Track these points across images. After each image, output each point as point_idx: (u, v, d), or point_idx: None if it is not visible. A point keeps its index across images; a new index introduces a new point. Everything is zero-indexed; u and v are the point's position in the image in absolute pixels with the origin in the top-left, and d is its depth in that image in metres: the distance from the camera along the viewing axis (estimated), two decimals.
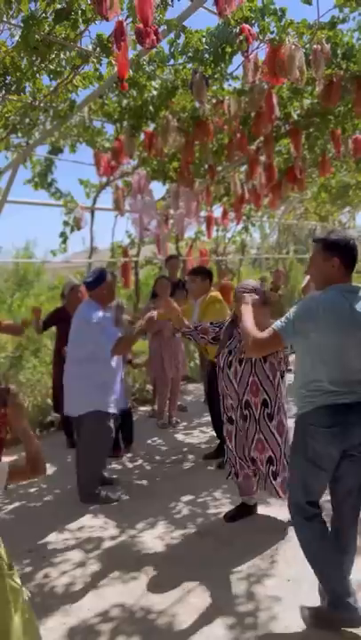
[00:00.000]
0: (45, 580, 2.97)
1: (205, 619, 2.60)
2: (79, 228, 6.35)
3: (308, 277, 8.36)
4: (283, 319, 2.38)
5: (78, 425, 3.95)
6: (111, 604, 2.74)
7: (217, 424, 4.52)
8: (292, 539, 3.29)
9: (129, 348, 3.85)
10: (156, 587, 2.88)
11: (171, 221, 7.30)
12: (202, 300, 4.70)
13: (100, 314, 3.86)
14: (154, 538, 3.40)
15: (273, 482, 3.26)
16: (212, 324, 3.61)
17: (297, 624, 2.52)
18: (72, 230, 6.19)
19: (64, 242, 6.19)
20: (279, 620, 2.56)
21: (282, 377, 3.34)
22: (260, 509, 3.71)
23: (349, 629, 2.45)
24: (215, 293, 4.75)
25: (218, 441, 4.66)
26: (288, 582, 2.87)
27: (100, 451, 3.94)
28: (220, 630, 2.51)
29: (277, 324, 2.38)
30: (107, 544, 3.35)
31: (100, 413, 3.82)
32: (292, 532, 3.36)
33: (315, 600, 2.67)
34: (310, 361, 2.37)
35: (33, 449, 1.86)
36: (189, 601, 2.73)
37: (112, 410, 3.89)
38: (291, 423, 2.76)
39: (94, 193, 6.61)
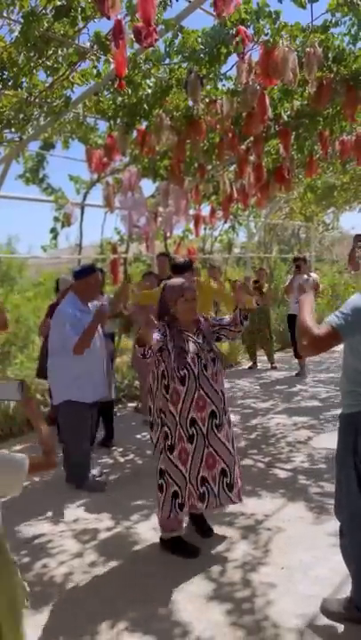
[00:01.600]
0: (44, 570, 3.00)
1: (204, 605, 2.67)
2: (69, 225, 6.36)
3: (289, 277, 8.51)
4: (339, 314, 2.15)
5: (58, 415, 4.16)
6: (110, 592, 2.80)
7: None
8: (285, 529, 3.40)
9: (88, 341, 3.80)
10: (153, 575, 2.94)
11: (160, 219, 7.34)
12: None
13: (73, 307, 3.90)
14: (149, 529, 3.45)
15: (229, 494, 3.08)
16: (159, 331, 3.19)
17: (292, 608, 2.61)
18: (62, 226, 6.21)
19: (54, 238, 6.20)
20: (275, 605, 2.64)
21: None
22: (253, 501, 3.80)
23: None
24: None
25: None
26: (282, 570, 2.95)
27: (77, 440, 4.04)
28: (218, 615, 2.58)
29: (333, 319, 2.14)
30: (103, 535, 3.41)
31: (71, 403, 3.95)
32: (284, 522, 3.48)
33: (306, 586, 2.77)
34: None
35: (49, 443, 1.88)
36: (187, 588, 2.80)
37: (88, 400, 3.97)
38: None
39: (84, 189, 6.62)
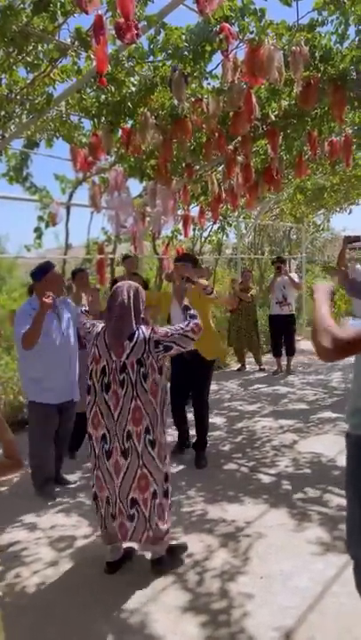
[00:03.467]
0: (17, 580, 2.92)
1: (179, 617, 2.59)
2: (54, 224, 6.26)
3: (272, 276, 8.51)
4: None
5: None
6: (84, 603, 2.72)
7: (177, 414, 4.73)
8: (266, 536, 3.33)
9: (36, 332, 3.62)
10: (129, 585, 2.86)
11: (148, 219, 7.26)
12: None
13: (30, 306, 3.80)
14: None
15: (158, 521, 2.85)
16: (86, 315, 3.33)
17: (269, 621, 2.54)
18: (47, 226, 6.11)
19: (39, 237, 6.10)
20: (252, 617, 2.57)
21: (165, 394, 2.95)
22: (234, 507, 3.73)
23: None
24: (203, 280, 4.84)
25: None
26: (261, 579, 2.88)
27: (34, 441, 3.94)
28: (193, 628, 2.51)
29: None
30: (79, 543, 3.32)
31: (34, 405, 3.88)
32: (265, 529, 3.41)
33: (285, 597, 2.70)
34: None
35: (11, 446, 1.83)
36: (162, 599, 2.73)
37: (46, 400, 3.85)
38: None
39: (70, 188, 6.53)
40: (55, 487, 4.06)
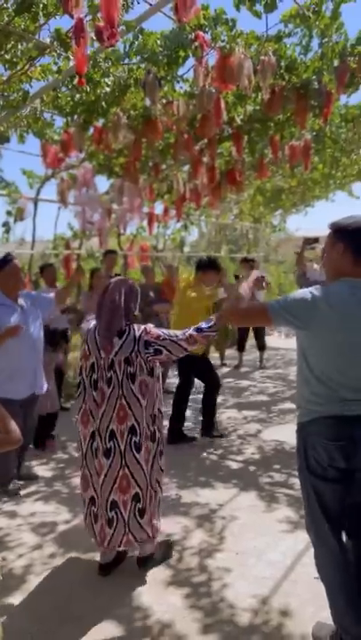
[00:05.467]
0: (3, 563, 3.01)
1: (162, 590, 2.77)
2: (22, 219, 6.30)
3: (254, 272, 8.81)
4: (278, 299, 2.10)
5: None
6: (70, 581, 2.85)
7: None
8: (238, 517, 3.54)
9: None
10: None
11: (113, 216, 7.38)
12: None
13: None
14: None
15: (140, 521, 2.80)
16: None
17: (246, 590, 2.75)
18: (15, 220, 6.14)
19: (7, 232, 6.13)
20: (230, 588, 2.78)
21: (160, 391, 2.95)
22: (207, 492, 3.93)
23: None
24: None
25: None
26: (236, 555, 3.09)
27: None
28: (177, 599, 2.69)
29: (271, 301, 2.10)
30: (61, 528, 3.44)
31: None
32: (237, 511, 3.63)
33: (259, 569, 2.92)
34: (315, 361, 2.08)
35: (4, 418, 2.00)
36: (146, 575, 2.89)
37: (4, 394, 3.64)
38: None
39: (38, 184, 6.58)
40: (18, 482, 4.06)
